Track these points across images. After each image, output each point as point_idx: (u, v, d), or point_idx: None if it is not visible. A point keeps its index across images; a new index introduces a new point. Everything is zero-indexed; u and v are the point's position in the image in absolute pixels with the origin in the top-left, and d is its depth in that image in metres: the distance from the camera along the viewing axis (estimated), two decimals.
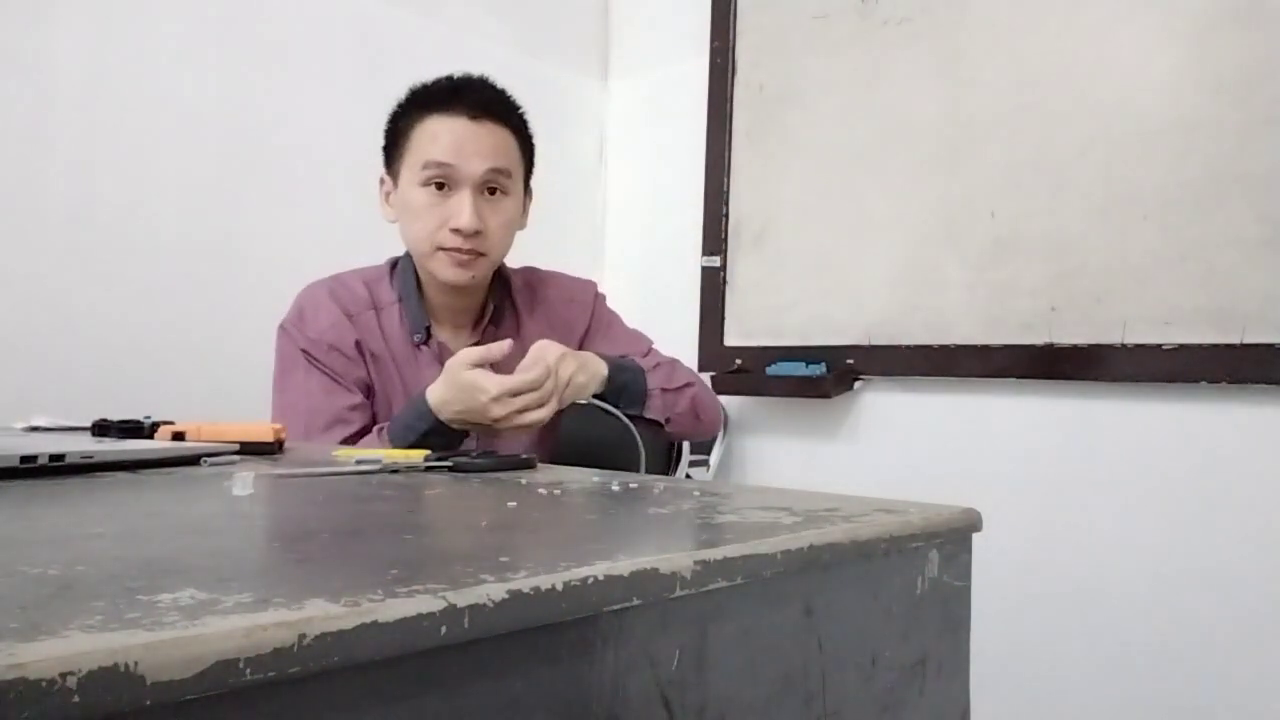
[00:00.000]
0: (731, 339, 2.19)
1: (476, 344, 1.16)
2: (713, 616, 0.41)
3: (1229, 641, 1.52)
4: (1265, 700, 1.49)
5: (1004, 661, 1.69)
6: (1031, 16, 1.75)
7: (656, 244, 2.42)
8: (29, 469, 0.63)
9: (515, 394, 1.03)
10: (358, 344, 1.22)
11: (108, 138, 1.64)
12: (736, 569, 0.41)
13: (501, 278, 1.33)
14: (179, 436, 0.88)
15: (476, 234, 1.17)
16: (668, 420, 1.22)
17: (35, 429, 1.07)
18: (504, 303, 1.32)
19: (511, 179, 1.21)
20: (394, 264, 1.30)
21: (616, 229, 2.55)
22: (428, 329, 1.26)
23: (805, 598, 0.46)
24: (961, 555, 0.57)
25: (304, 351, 1.20)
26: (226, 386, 1.57)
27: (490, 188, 1.19)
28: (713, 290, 2.23)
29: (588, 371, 1.12)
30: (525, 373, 1.04)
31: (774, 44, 2.15)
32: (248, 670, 0.25)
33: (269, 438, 0.86)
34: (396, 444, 1.09)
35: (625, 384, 1.18)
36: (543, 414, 1.05)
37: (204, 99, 1.76)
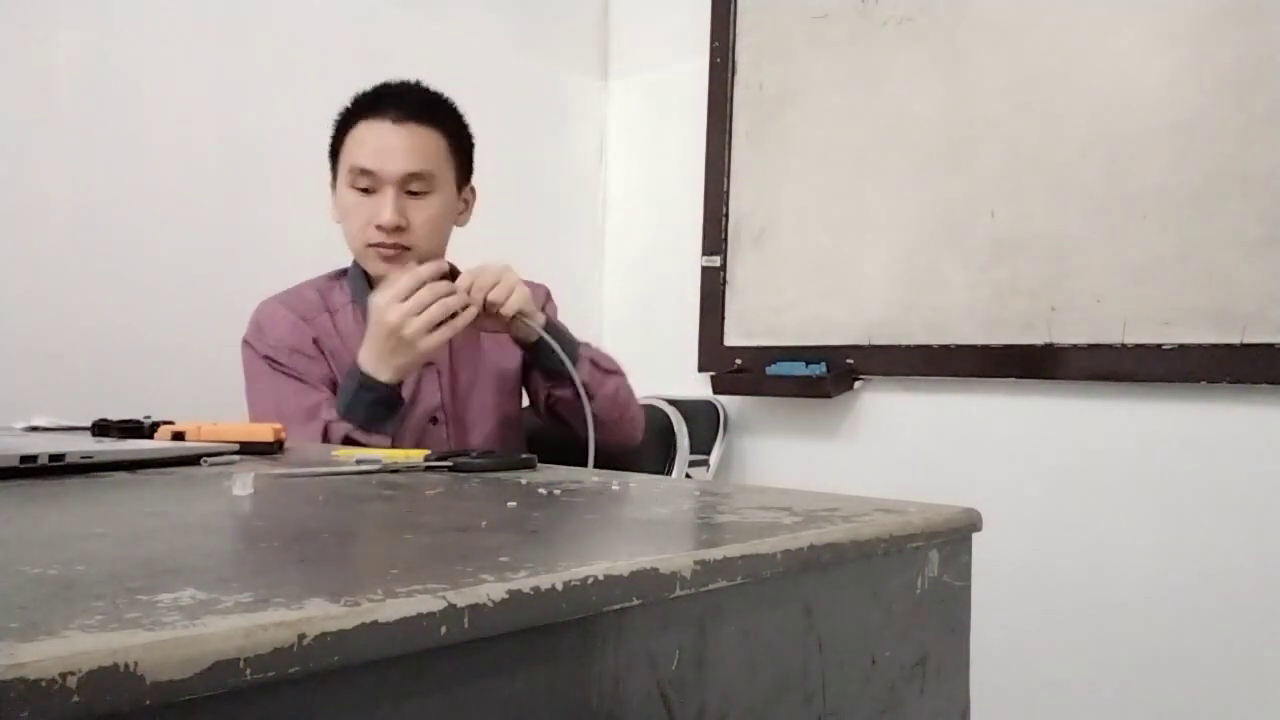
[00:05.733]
0: (731, 339, 2.19)
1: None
2: (713, 616, 0.41)
3: (1229, 641, 1.52)
4: (1265, 700, 1.49)
5: (1004, 661, 1.69)
6: (1031, 16, 1.75)
7: (656, 244, 2.42)
8: (29, 469, 0.63)
9: (406, 296, 1.09)
10: (315, 341, 1.27)
11: (108, 138, 1.64)
12: (736, 569, 0.41)
13: (454, 276, 1.35)
14: (179, 436, 0.88)
15: (399, 230, 1.23)
16: (592, 398, 1.22)
17: (35, 429, 1.07)
18: None
19: (435, 179, 1.25)
20: (345, 270, 1.36)
21: (616, 229, 2.55)
22: None
23: (805, 598, 0.46)
24: (961, 555, 0.57)
25: (267, 358, 1.25)
26: (226, 386, 1.56)
27: (411, 189, 1.24)
28: (713, 290, 2.23)
29: (523, 291, 1.17)
30: (415, 271, 1.11)
31: (774, 44, 2.15)
32: (248, 670, 0.25)
33: (269, 438, 0.87)
34: (340, 410, 1.14)
35: (559, 332, 1.22)
36: (459, 318, 1.11)
37: (204, 99, 1.76)
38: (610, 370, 1.29)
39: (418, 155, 1.23)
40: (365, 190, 1.23)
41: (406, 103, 1.25)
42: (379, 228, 1.22)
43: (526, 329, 1.18)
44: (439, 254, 1.29)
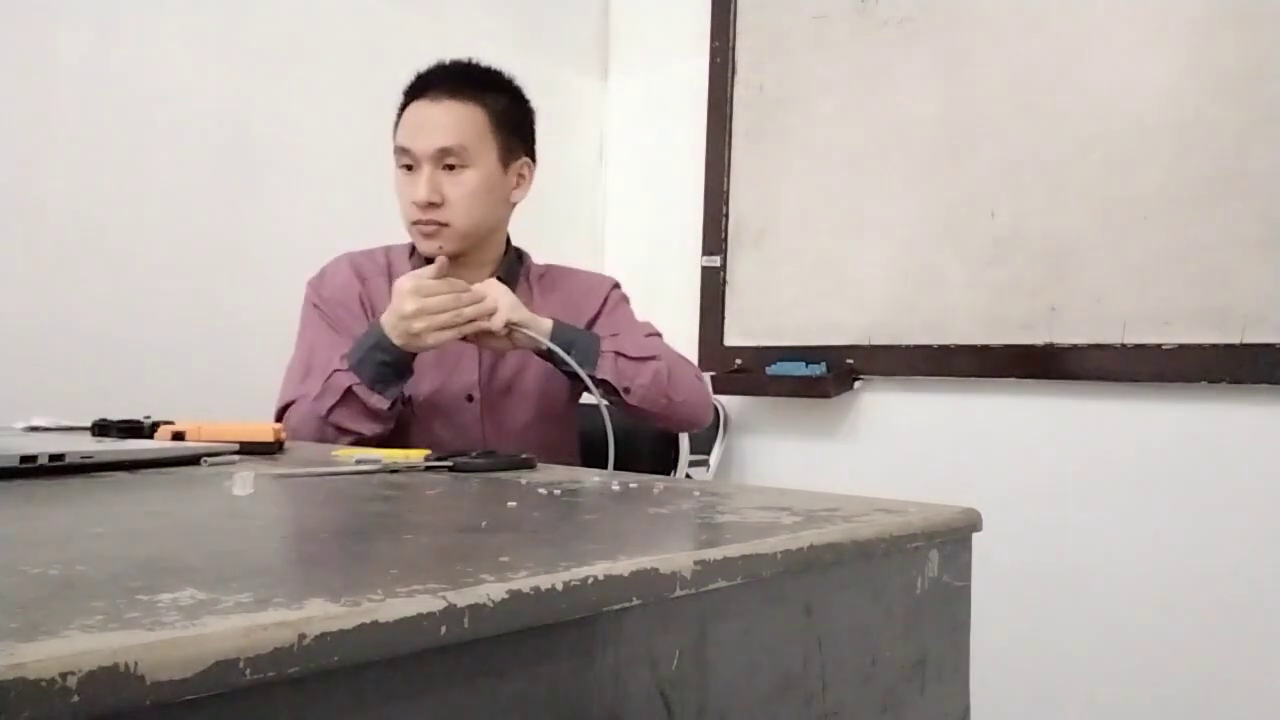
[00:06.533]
0: (731, 339, 2.19)
1: None
2: (713, 616, 0.41)
3: (1229, 641, 1.52)
4: (1265, 700, 1.49)
5: (1004, 661, 1.69)
6: (1031, 16, 1.75)
7: (656, 244, 2.42)
8: (29, 469, 0.63)
9: (430, 295, 1.12)
10: (362, 301, 1.30)
11: (108, 138, 1.64)
12: (736, 569, 0.41)
13: (516, 257, 1.38)
14: (179, 436, 0.88)
15: (433, 205, 1.23)
16: (627, 390, 1.20)
17: (35, 429, 1.07)
18: (516, 279, 1.35)
19: (469, 153, 1.24)
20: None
21: (616, 229, 2.55)
22: None
23: (805, 598, 0.46)
24: (961, 555, 0.57)
25: (316, 306, 1.30)
26: (226, 386, 1.56)
27: (448, 164, 1.25)
28: (713, 290, 2.23)
29: (524, 312, 1.17)
30: (449, 284, 1.14)
31: (774, 44, 2.15)
32: (248, 670, 0.25)
33: (269, 438, 0.87)
34: (351, 361, 1.16)
35: (572, 341, 1.18)
36: (456, 329, 1.13)
37: (205, 99, 1.76)
38: (643, 357, 1.23)
39: (449, 130, 1.23)
40: (409, 168, 1.25)
41: (445, 80, 1.26)
42: (415, 204, 1.24)
43: (529, 340, 1.16)
44: (484, 229, 1.28)
